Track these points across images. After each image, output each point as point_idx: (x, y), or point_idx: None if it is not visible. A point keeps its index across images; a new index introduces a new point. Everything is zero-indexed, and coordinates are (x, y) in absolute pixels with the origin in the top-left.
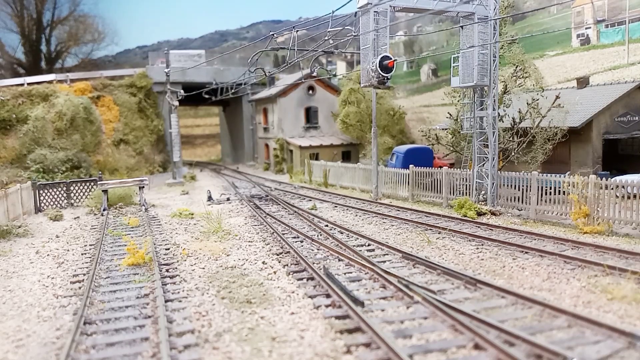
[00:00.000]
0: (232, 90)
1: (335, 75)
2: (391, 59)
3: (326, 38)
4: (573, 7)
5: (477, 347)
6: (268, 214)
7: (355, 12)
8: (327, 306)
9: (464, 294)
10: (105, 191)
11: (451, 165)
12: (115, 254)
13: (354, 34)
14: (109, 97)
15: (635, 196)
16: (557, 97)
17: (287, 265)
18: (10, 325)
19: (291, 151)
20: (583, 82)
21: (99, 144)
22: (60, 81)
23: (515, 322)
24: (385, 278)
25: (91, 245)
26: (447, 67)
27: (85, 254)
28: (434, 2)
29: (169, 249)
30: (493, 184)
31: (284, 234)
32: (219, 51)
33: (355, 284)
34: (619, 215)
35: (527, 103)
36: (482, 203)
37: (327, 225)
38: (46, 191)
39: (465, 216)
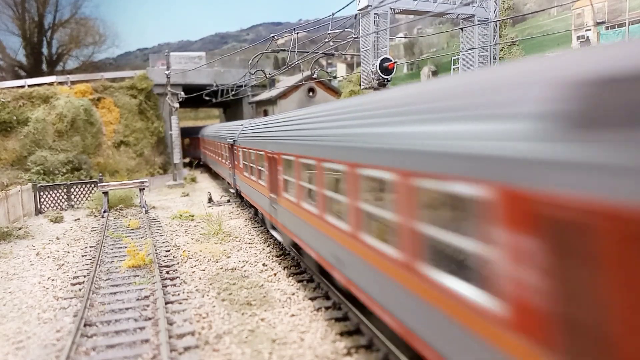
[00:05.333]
0: (233, 92)
1: (335, 77)
2: (391, 60)
3: (326, 40)
4: (573, 9)
5: None
6: None
7: (356, 15)
8: (327, 308)
9: None
10: (105, 193)
11: None
12: (116, 256)
13: (354, 36)
14: (110, 99)
15: None
16: None
17: (288, 267)
18: (11, 327)
19: None
20: None
21: (100, 146)
22: (60, 83)
23: None
24: None
25: (91, 247)
26: (447, 69)
27: (86, 255)
28: (434, 4)
29: (169, 251)
30: None
31: None
32: (219, 53)
33: None
34: None
35: None
36: None
37: None
38: (47, 193)
39: None
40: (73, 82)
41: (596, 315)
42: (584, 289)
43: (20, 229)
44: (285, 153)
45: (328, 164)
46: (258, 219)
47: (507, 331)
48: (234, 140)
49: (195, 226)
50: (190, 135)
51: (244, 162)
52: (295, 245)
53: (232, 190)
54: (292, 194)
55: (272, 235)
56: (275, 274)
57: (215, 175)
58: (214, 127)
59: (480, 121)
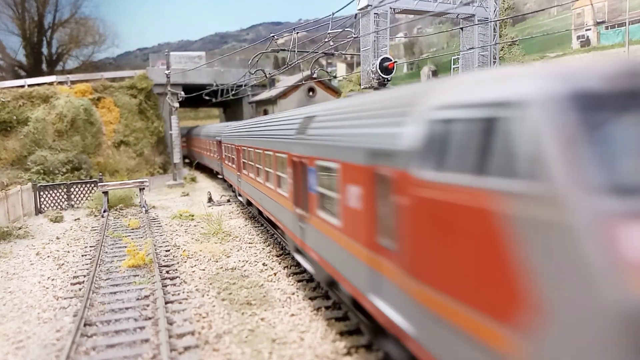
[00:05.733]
0: (233, 92)
1: (335, 77)
2: (391, 60)
3: (326, 40)
4: (573, 8)
5: None
6: None
7: (356, 14)
8: (327, 308)
9: None
10: (105, 193)
11: None
12: (116, 256)
13: (354, 35)
14: (110, 99)
15: None
16: None
17: (288, 267)
18: (11, 326)
19: None
20: None
21: (100, 146)
22: (60, 83)
23: None
24: None
25: (91, 246)
26: (447, 69)
27: (86, 255)
28: (434, 3)
29: (169, 250)
30: None
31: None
32: (219, 53)
33: None
34: None
35: None
36: None
37: None
38: (46, 193)
39: None
40: (73, 82)
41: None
42: (294, 179)
43: (20, 228)
44: (242, 145)
45: (253, 149)
46: (240, 199)
47: (287, 200)
48: (221, 139)
49: (195, 226)
50: None
51: (226, 154)
52: (248, 202)
53: (220, 177)
54: (246, 169)
55: (272, 235)
56: (275, 274)
57: (212, 174)
58: (204, 128)
59: (284, 130)
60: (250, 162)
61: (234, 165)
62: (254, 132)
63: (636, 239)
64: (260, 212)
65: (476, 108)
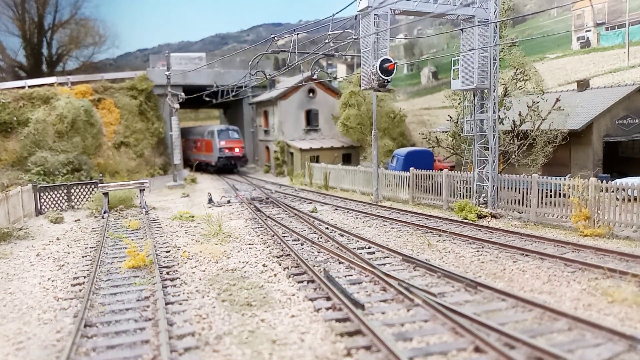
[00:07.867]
0: (233, 93)
1: (335, 78)
2: (391, 61)
3: (327, 41)
4: (573, 10)
5: (477, 350)
6: (268, 217)
7: (356, 15)
8: (327, 309)
9: (465, 297)
10: (105, 194)
11: (451, 168)
12: (116, 257)
13: (354, 37)
14: (110, 100)
15: (635, 199)
16: (558, 99)
17: (288, 268)
18: (11, 327)
19: (292, 154)
20: (583, 84)
21: (100, 147)
22: (61, 84)
23: (516, 324)
24: (386, 281)
25: (92, 247)
26: (447, 70)
27: (86, 256)
28: (434, 5)
29: (169, 251)
30: (494, 186)
31: (284, 236)
32: (219, 54)
33: (356, 286)
34: (619, 218)
35: (528, 106)
36: (483, 206)
37: (327, 228)
38: (47, 194)
39: (466, 219)
40: (73, 83)
41: (190, 151)
42: (199, 145)
43: (20, 229)
44: (188, 137)
45: (193, 138)
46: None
47: (197, 151)
48: (186, 135)
49: (195, 227)
50: None
51: (188, 143)
52: (197, 164)
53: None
54: (192, 147)
55: (273, 236)
56: (275, 275)
57: (215, 176)
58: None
59: (197, 131)
60: (192, 143)
61: (192, 148)
62: (193, 132)
63: (221, 144)
64: (192, 161)
65: (211, 130)
